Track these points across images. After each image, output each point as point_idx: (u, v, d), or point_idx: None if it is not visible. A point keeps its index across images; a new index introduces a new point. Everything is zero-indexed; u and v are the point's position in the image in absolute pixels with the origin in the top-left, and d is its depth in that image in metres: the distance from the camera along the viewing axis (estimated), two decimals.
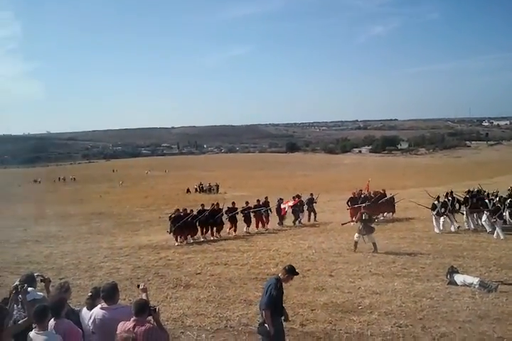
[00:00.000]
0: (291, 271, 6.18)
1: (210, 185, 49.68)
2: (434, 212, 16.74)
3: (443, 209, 16.66)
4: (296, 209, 19.91)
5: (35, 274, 6.02)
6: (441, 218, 16.63)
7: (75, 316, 5.36)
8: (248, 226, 18.44)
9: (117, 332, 4.56)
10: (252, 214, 18.62)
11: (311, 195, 21.02)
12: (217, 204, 18.33)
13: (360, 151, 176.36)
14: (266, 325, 5.91)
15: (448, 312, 7.94)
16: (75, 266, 13.03)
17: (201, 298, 9.39)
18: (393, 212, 20.49)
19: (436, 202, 16.94)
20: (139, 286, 5.51)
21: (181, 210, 17.32)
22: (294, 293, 9.37)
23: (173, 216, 16.87)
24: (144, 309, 4.65)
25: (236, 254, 13.72)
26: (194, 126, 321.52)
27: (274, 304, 5.95)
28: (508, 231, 15.39)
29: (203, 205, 17.91)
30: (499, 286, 9.10)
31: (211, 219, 17.24)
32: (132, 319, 4.59)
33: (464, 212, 16.98)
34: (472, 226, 16.69)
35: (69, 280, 8.95)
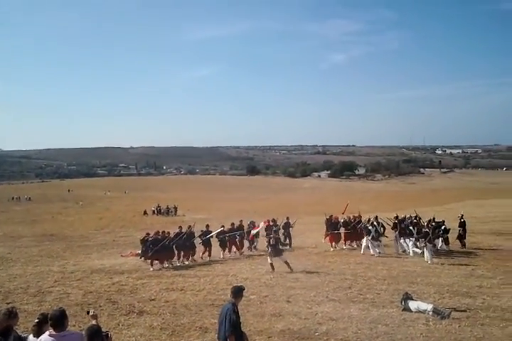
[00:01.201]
0: (237, 293, 6.17)
1: (168, 207, 49.00)
2: (370, 237, 17.33)
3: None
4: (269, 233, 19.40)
5: None
6: (377, 241, 17.28)
7: None
8: (224, 251, 17.98)
9: None
10: (226, 239, 18.15)
11: (287, 218, 20.49)
12: (193, 226, 17.82)
13: (319, 176, 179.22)
14: None
15: (403, 339, 8.01)
16: (23, 290, 12.47)
17: (155, 325, 9.10)
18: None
19: (370, 227, 17.50)
20: (88, 313, 5.34)
21: (160, 233, 16.73)
22: (250, 319, 9.24)
23: (150, 239, 16.25)
24: (97, 334, 4.61)
25: (193, 279, 13.46)
26: (153, 147, 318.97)
27: (236, 329, 5.88)
28: (441, 256, 16.20)
29: (180, 227, 17.37)
30: (452, 313, 9.26)
31: (187, 242, 16.79)
32: None
33: (394, 237, 17.66)
34: (399, 250, 17.38)
35: (16, 306, 8.54)
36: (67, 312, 5.08)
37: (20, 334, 5.47)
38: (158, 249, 15.77)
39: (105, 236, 27.37)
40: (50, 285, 12.95)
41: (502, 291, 11.24)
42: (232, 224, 18.86)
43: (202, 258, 17.49)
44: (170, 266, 16.12)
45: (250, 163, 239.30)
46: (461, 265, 14.79)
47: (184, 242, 16.68)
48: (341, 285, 12.29)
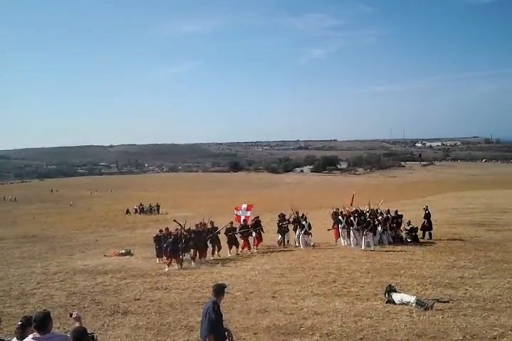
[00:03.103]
0: (219, 291, 6.09)
1: (150, 206, 48.71)
2: (302, 231, 18.02)
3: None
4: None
5: None
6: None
7: None
8: (231, 248, 17.58)
9: None
10: (239, 236, 17.93)
11: (297, 213, 19.54)
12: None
13: (301, 171, 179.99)
14: None
15: (387, 332, 8.10)
16: (5, 293, 12.29)
17: (140, 325, 9.04)
18: None
19: (340, 217, 18.14)
20: (71, 315, 5.27)
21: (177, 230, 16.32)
22: (236, 316, 9.25)
23: (170, 239, 15.66)
24: (82, 336, 4.56)
25: (177, 278, 13.40)
26: (134, 145, 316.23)
27: (216, 328, 5.83)
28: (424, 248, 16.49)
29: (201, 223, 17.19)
30: (435, 304, 9.41)
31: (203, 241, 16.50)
32: None
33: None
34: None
35: None
36: (51, 315, 5.02)
37: (3, 338, 5.39)
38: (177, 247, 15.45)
39: (88, 236, 27.10)
40: (33, 287, 12.78)
41: (484, 281, 11.44)
42: (244, 220, 18.52)
43: (213, 256, 17.03)
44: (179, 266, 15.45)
45: (233, 159, 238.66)
46: (443, 256, 14.99)
47: (201, 240, 16.36)
48: (326, 279, 12.38)
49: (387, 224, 18.61)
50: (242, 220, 18.55)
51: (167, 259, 15.68)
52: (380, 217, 18.45)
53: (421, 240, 18.44)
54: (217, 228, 17.58)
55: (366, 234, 17.05)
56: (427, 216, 19.21)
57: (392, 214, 19.34)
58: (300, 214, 19.08)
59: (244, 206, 18.37)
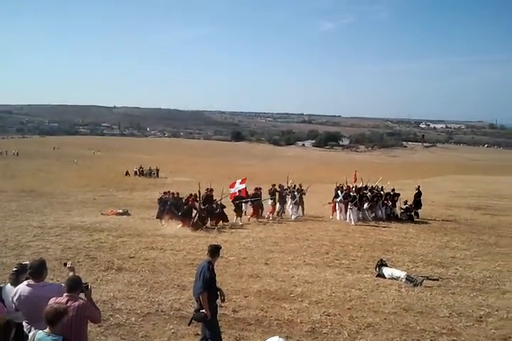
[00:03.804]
0: (214, 251, 6.13)
1: (150, 169, 48.80)
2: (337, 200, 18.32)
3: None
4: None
5: None
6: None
7: None
8: (238, 216, 17.41)
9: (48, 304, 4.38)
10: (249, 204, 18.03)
11: (300, 185, 19.67)
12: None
13: (303, 145, 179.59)
14: (202, 310, 5.86)
15: (375, 304, 8.25)
16: (1, 243, 12.42)
17: (133, 281, 9.19)
18: None
19: (339, 192, 18.40)
20: (65, 265, 5.33)
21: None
22: (229, 279, 9.40)
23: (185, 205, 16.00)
24: (77, 285, 4.57)
25: (173, 240, 13.54)
26: (138, 108, 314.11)
27: (209, 287, 5.91)
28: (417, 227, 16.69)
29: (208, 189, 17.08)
30: (424, 281, 9.55)
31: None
32: (65, 294, 4.48)
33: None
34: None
35: None
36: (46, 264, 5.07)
37: None
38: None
39: (86, 195, 27.20)
40: (29, 240, 12.90)
41: (474, 263, 11.58)
42: (257, 189, 18.45)
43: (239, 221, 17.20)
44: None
45: (235, 128, 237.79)
46: (437, 236, 15.14)
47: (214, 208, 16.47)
48: (319, 250, 12.53)
49: (380, 201, 18.75)
50: (236, 193, 18.18)
51: (165, 221, 15.98)
52: (368, 194, 18.55)
53: (431, 220, 18.55)
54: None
55: (350, 209, 17.56)
56: (417, 195, 19.29)
57: (390, 192, 19.44)
58: (294, 186, 19.27)
59: (238, 181, 18.12)
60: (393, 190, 19.78)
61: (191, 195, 16.61)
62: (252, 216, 17.94)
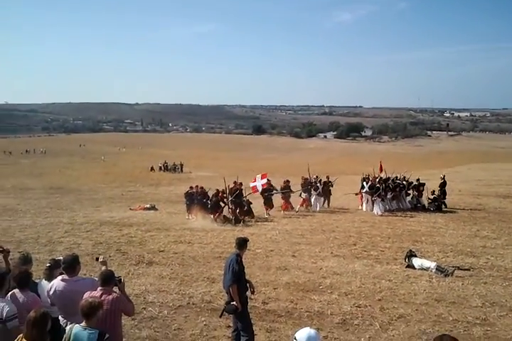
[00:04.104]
0: (241, 244, 6.18)
1: (174, 164, 49.31)
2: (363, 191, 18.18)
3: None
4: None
5: None
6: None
7: (34, 287, 5.22)
8: (269, 208, 17.55)
9: (83, 298, 4.49)
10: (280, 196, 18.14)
11: (327, 177, 19.62)
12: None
13: (325, 136, 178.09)
14: (233, 303, 5.93)
15: (406, 295, 8.19)
16: (34, 240, 12.72)
17: (164, 275, 9.35)
18: None
19: (364, 183, 18.22)
20: (97, 259, 5.43)
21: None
22: (257, 272, 9.46)
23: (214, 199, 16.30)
24: (110, 279, 4.65)
25: (200, 233, 13.68)
26: (159, 104, 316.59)
27: (239, 279, 5.98)
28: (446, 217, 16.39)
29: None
30: (455, 271, 9.41)
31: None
32: (99, 288, 4.56)
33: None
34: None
35: None
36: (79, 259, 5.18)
37: (32, 279, 5.62)
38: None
39: (113, 191, 27.70)
40: (61, 236, 13.22)
41: (506, 252, 11.35)
42: (287, 181, 18.53)
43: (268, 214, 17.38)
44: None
45: (256, 122, 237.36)
46: (466, 226, 14.87)
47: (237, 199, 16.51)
48: (346, 242, 12.47)
49: (403, 191, 18.59)
50: (260, 189, 17.97)
51: (194, 215, 16.22)
52: (391, 184, 18.33)
53: (459, 209, 18.26)
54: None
55: (374, 200, 17.52)
56: (443, 185, 18.99)
57: (415, 183, 19.21)
58: (316, 177, 19.24)
59: (258, 176, 18.11)
60: (418, 180, 19.51)
61: (218, 190, 16.74)
62: (284, 209, 17.94)
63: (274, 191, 18.13)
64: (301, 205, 18.52)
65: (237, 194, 16.41)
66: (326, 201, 19.33)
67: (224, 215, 16.10)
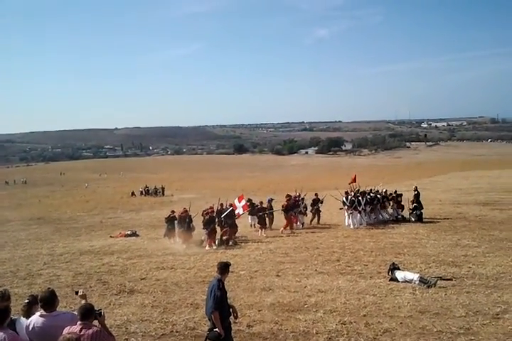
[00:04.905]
0: (223, 268, 6.14)
1: (155, 188, 48.94)
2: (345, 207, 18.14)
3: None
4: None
5: None
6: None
7: (12, 325, 5.07)
8: (263, 229, 17.35)
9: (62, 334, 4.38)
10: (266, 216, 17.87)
11: (316, 195, 19.65)
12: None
13: (306, 152, 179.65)
14: (215, 329, 5.84)
15: (390, 308, 8.17)
16: (12, 273, 12.41)
17: (146, 303, 9.15)
18: None
19: (344, 198, 18.18)
20: (77, 293, 5.33)
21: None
22: (241, 294, 9.35)
23: (206, 218, 15.66)
24: (89, 313, 4.57)
25: (183, 258, 13.51)
26: (139, 127, 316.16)
27: (221, 305, 5.89)
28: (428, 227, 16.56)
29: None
30: (438, 282, 9.45)
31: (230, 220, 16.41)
32: (78, 323, 4.47)
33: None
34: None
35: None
36: (57, 294, 5.07)
37: (10, 316, 5.46)
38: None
39: (93, 218, 27.28)
40: (40, 268, 12.90)
41: (487, 260, 11.46)
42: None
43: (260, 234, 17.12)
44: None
45: (237, 141, 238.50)
46: (447, 235, 15.01)
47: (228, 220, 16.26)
48: (329, 258, 12.46)
49: (379, 204, 18.81)
50: (241, 212, 17.44)
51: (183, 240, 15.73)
52: (368, 197, 18.46)
53: (424, 219, 18.42)
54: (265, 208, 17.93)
55: (351, 213, 17.62)
56: (417, 196, 19.18)
57: (392, 194, 19.51)
58: (298, 196, 19.25)
59: (236, 201, 17.58)
60: (395, 191, 19.77)
61: (211, 207, 16.66)
62: (285, 227, 17.72)
63: (268, 210, 18.06)
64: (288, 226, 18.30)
65: (228, 214, 16.28)
66: (316, 218, 19.33)
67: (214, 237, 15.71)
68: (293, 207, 18.01)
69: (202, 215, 16.32)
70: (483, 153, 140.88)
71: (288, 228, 17.62)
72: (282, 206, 18.00)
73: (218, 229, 16.22)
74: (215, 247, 15.07)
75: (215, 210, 16.46)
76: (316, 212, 19.37)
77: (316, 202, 19.29)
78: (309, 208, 19.54)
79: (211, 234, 15.47)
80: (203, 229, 15.59)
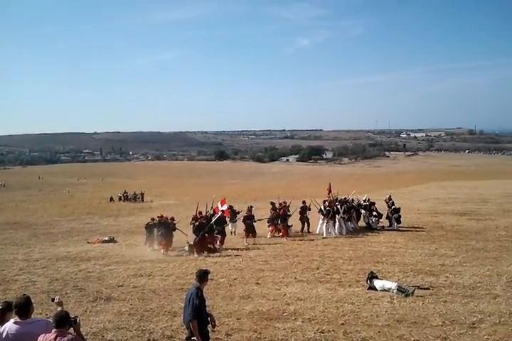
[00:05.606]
0: (202, 276, 6.11)
1: (135, 194, 48.39)
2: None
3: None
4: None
5: None
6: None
7: None
8: (248, 237, 16.97)
9: None
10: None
11: (303, 202, 19.44)
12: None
13: (287, 160, 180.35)
14: (193, 338, 5.78)
15: (368, 317, 8.21)
16: None
17: (123, 311, 9.01)
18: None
19: (322, 207, 18.18)
20: (53, 300, 5.24)
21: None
22: (220, 302, 9.29)
23: (196, 224, 15.28)
24: (65, 320, 4.49)
25: (161, 265, 13.37)
26: (119, 132, 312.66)
27: (199, 313, 5.84)
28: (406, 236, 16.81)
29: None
30: (416, 291, 9.56)
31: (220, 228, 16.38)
32: (53, 330, 4.39)
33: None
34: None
35: None
36: (32, 300, 4.98)
37: None
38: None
39: (71, 224, 26.81)
40: (15, 274, 12.64)
41: (464, 269, 11.65)
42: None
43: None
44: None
45: (219, 148, 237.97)
46: (425, 245, 15.22)
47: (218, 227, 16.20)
48: (309, 266, 12.49)
49: (353, 212, 19.19)
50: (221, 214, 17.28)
51: (163, 246, 15.45)
52: (344, 206, 18.64)
53: (402, 228, 18.69)
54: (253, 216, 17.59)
55: (327, 222, 17.69)
56: (392, 204, 19.48)
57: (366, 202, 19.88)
58: (284, 203, 19.25)
59: (219, 204, 17.29)
60: (368, 200, 20.13)
61: (200, 212, 16.31)
62: (282, 235, 17.81)
63: (257, 219, 17.82)
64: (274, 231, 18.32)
65: (217, 220, 16.15)
66: (306, 226, 19.16)
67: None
68: (284, 216, 17.89)
69: (190, 224, 15.82)
70: (461, 163, 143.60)
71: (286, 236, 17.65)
72: (278, 215, 18.01)
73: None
74: (205, 254, 14.72)
75: (205, 216, 16.09)
76: (305, 220, 19.11)
77: (305, 209, 19.08)
78: (298, 216, 19.19)
79: (201, 241, 15.14)
80: (194, 235, 15.26)
